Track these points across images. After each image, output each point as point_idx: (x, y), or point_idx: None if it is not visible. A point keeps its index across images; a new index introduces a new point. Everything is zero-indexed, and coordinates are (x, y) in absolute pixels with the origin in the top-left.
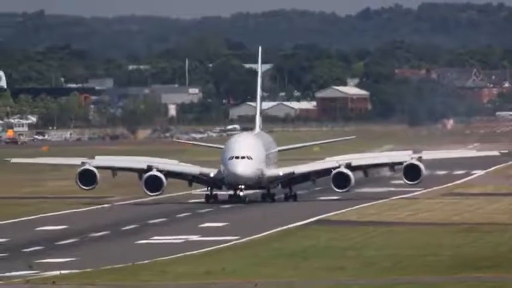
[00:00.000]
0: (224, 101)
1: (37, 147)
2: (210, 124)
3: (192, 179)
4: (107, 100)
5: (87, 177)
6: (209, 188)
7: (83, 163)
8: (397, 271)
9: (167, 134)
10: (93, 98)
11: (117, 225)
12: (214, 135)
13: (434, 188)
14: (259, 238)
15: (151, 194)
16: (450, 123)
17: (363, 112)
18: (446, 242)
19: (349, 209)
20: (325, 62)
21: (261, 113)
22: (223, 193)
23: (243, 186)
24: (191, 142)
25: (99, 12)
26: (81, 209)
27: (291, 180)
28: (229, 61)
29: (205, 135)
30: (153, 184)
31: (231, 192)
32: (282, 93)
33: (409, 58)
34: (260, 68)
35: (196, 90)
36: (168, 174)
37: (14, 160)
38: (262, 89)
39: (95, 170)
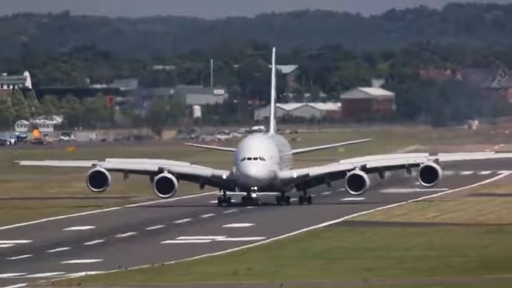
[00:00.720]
0: (249, 101)
1: (63, 148)
2: (235, 125)
3: (204, 181)
4: (132, 101)
5: (98, 180)
6: (222, 190)
7: (94, 165)
8: (424, 272)
9: (192, 135)
10: (118, 98)
11: (144, 225)
12: (239, 135)
13: (461, 188)
14: (286, 239)
15: (163, 196)
16: (475, 124)
17: (388, 113)
18: (472, 242)
19: (376, 209)
20: (350, 63)
21: (275, 116)
22: (236, 194)
23: (255, 188)
24: (202, 146)
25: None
26: (107, 209)
27: (305, 182)
28: (255, 61)
29: (231, 136)
30: (165, 186)
31: (244, 194)
32: (308, 95)
33: (434, 59)
34: (274, 69)
35: (221, 91)
36: (180, 176)
37: (23, 163)
38: (289, 91)
39: (106, 172)
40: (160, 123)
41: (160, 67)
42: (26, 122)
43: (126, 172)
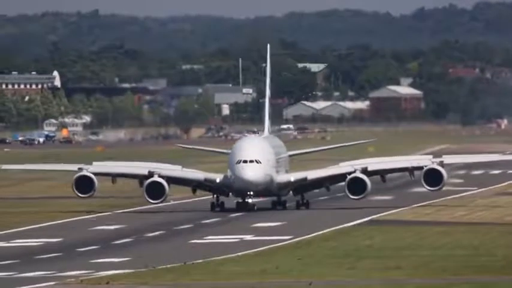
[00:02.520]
0: (278, 100)
1: (91, 147)
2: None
3: (197, 186)
4: (160, 100)
5: (84, 184)
6: (215, 196)
7: (80, 169)
8: (452, 271)
9: (221, 134)
10: (147, 97)
11: (172, 224)
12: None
13: (489, 187)
14: (314, 238)
15: (153, 201)
16: (504, 123)
17: (416, 112)
18: (500, 242)
19: (404, 208)
20: (379, 62)
21: (270, 116)
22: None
23: (251, 193)
24: (196, 147)
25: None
26: (133, 209)
27: (303, 186)
28: (283, 61)
29: (259, 134)
30: (155, 191)
31: (239, 199)
32: (336, 93)
33: (463, 58)
34: (269, 67)
35: (249, 90)
36: (171, 180)
37: (4, 167)
38: (318, 89)
39: (92, 176)
40: (188, 122)
41: (188, 66)
42: (54, 121)
43: (114, 176)
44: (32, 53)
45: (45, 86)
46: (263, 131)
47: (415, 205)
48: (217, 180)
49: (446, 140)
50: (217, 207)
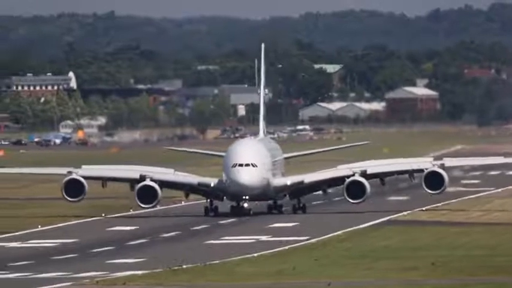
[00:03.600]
0: (294, 101)
1: (106, 149)
2: (280, 124)
3: (190, 190)
4: (176, 101)
5: (74, 188)
6: (208, 200)
7: (69, 173)
8: (469, 271)
9: (236, 134)
10: (162, 98)
11: (188, 225)
12: (284, 135)
13: (508, 187)
14: (330, 238)
15: (145, 206)
16: None
17: (432, 113)
18: None
19: (421, 209)
20: (395, 63)
21: (265, 117)
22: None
23: (247, 197)
24: (187, 150)
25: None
26: (151, 210)
27: (299, 190)
28: (299, 61)
29: (275, 135)
30: (147, 195)
31: (234, 204)
32: (352, 94)
33: (479, 58)
34: (263, 67)
35: (266, 91)
36: (163, 184)
37: None
38: (334, 90)
39: (82, 180)
40: (204, 123)
41: (204, 67)
42: (70, 123)
43: (105, 180)
44: (47, 54)
45: (60, 87)
46: (258, 133)
47: (431, 205)
48: (212, 185)
49: (462, 141)
50: (211, 212)
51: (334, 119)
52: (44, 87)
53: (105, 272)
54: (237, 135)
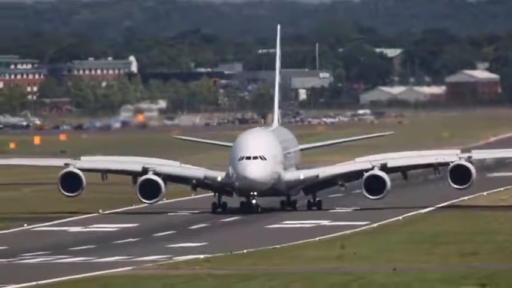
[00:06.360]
0: (354, 85)
1: (167, 132)
2: (341, 108)
3: (196, 184)
4: (237, 84)
5: (71, 182)
6: (216, 195)
7: (66, 165)
8: None
9: (297, 119)
10: (223, 82)
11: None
12: (345, 119)
13: None
14: (391, 223)
15: (147, 201)
16: None
17: (493, 96)
18: None
19: (482, 194)
20: (455, 47)
21: (280, 104)
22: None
23: (255, 193)
24: (192, 139)
25: None
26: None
27: (314, 185)
28: (360, 45)
29: (336, 119)
30: (149, 189)
31: (244, 199)
32: (412, 78)
33: None
34: (279, 49)
35: (327, 75)
36: (167, 177)
37: None
38: (394, 74)
39: (80, 173)
40: (264, 107)
41: (264, 50)
42: (130, 107)
43: (105, 172)
44: (108, 39)
45: (121, 71)
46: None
47: (493, 190)
48: (219, 179)
49: None
50: (219, 208)
51: (395, 103)
52: (104, 71)
53: (166, 256)
54: (297, 119)
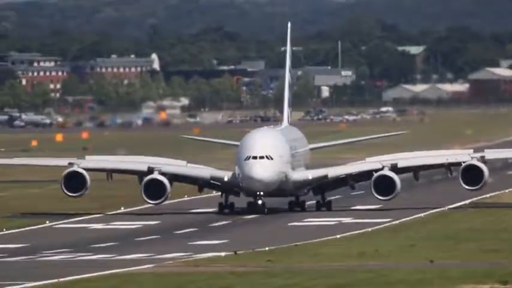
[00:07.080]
0: (377, 83)
1: (189, 130)
2: (363, 106)
3: (203, 184)
4: (259, 82)
5: (75, 182)
6: (224, 195)
7: (70, 164)
8: None
9: (320, 116)
10: (245, 79)
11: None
12: (368, 117)
13: None
14: (413, 220)
15: (152, 202)
16: None
17: None
18: None
19: (504, 191)
20: (478, 44)
21: (290, 103)
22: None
23: (262, 193)
24: (199, 138)
25: None
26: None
27: (323, 185)
28: (383, 43)
29: (359, 117)
30: (155, 190)
31: (251, 199)
32: (435, 76)
33: None
34: (289, 48)
35: (349, 72)
36: (173, 177)
37: None
38: (417, 72)
39: (84, 172)
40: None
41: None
42: (152, 104)
43: (110, 172)
44: (131, 36)
45: (144, 69)
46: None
47: None
48: (225, 179)
49: None
50: (226, 209)
51: (417, 101)
52: (127, 69)
53: (187, 253)
54: (320, 116)
